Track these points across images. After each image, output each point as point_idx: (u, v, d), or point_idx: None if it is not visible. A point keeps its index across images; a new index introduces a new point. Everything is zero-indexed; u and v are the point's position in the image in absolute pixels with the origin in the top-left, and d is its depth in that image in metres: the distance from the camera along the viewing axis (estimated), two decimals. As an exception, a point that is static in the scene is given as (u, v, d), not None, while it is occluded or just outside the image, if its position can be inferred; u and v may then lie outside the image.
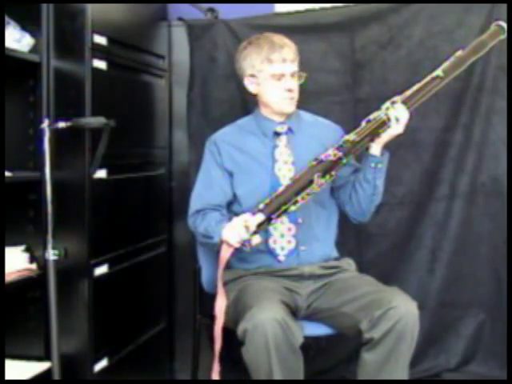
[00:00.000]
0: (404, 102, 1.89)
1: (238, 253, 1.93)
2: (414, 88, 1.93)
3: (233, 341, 1.74)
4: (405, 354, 1.74)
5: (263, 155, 2.03)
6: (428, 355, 2.41)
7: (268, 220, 1.78)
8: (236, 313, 1.80)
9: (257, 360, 1.67)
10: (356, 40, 2.43)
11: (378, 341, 1.72)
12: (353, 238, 2.39)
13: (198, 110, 2.53)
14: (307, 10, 2.48)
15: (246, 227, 1.74)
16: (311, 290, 1.94)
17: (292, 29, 2.28)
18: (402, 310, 1.72)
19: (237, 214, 1.89)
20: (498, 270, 2.39)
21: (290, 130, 2.05)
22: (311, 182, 1.83)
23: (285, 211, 1.81)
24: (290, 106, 2.03)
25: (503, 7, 2.29)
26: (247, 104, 2.40)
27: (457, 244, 2.43)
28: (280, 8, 2.58)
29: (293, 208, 1.82)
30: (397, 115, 1.86)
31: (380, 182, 1.96)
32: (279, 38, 2.01)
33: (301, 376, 1.73)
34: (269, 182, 1.98)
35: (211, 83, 2.53)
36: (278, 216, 1.81)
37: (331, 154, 1.85)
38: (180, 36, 2.54)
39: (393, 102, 1.89)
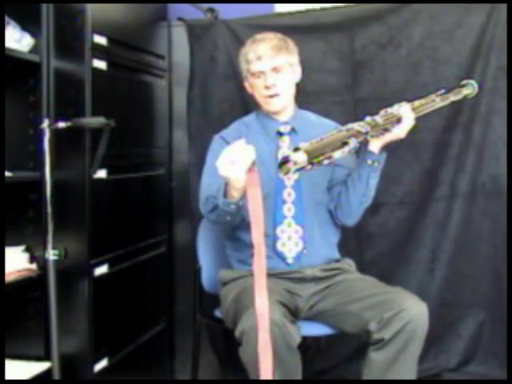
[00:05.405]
0: (413, 109, 1.83)
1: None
2: (421, 101, 1.88)
3: (233, 340, 1.74)
4: (413, 354, 1.74)
5: (267, 154, 1.99)
6: (428, 355, 2.40)
7: (309, 162, 1.61)
8: (235, 313, 1.79)
9: (254, 361, 1.64)
10: (356, 40, 2.43)
11: (387, 341, 1.72)
12: (353, 238, 2.38)
13: (198, 110, 2.53)
14: (307, 10, 2.48)
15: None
16: (313, 292, 1.94)
17: (292, 29, 2.27)
18: (414, 311, 1.72)
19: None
20: (498, 269, 2.39)
21: (293, 131, 2.02)
22: (346, 143, 1.69)
23: (318, 162, 1.64)
24: (272, 105, 1.98)
25: (503, 7, 2.29)
26: (247, 104, 2.41)
27: (457, 244, 2.43)
28: (280, 8, 2.58)
29: (326, 162, 1.66)
30: (407, 117, 1.80)
31: (373, 182, 1.91)
32: (262, 35, 1.97)
33: (299, 376, 1.73)
34: (273, 183, 1.96)
35: (211, 83, 2.53)
36: (315, 163, 1.63)
37: (358, 125, 1.73)
38: (180, 36, 2.55)
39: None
